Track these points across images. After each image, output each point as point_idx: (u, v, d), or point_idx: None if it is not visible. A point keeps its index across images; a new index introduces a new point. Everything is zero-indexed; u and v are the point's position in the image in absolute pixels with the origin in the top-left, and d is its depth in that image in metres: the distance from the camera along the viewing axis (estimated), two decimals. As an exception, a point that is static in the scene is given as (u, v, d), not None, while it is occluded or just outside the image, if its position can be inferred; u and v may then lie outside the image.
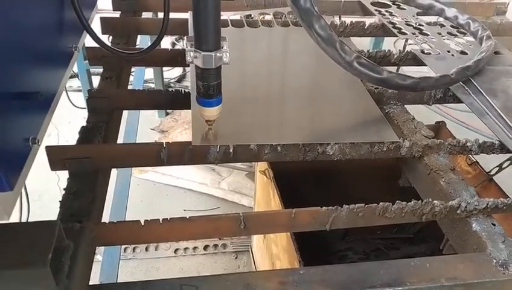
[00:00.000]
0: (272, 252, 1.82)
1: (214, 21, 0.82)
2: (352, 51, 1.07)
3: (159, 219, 0.82)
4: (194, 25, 0.83)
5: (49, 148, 0.91)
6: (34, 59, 0.75)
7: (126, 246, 2.69)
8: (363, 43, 3.50)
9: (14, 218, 0.78)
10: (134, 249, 2.73)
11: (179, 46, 4.85)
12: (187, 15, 1.68)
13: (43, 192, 2.90)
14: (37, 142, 0.70)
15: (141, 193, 3.15)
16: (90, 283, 0.80)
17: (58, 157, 0.93)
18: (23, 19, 0.71)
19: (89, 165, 0.95)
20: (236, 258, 2.76)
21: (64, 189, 0.91)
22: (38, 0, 0.80)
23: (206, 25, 0.81)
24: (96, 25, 1.35)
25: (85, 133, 1.08)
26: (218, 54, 0.85)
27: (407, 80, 1.15)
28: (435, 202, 0.96)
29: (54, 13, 0.90)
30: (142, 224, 0.82)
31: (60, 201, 0.87)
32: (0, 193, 0.58)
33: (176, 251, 2.75)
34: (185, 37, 0.92)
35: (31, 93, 0.64)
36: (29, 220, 1.75)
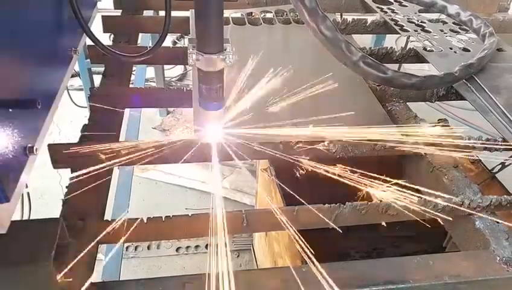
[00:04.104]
0: (274, 250, 1.82)
1: (216, 23, 0.81)
2: (358, 51, 1.06)
3: (161, 217, 0.82)
4: (196, 27, 0.82)
5: (51, 147, 0.91)
6: (31, 66, 0.74)
7: (128, 244, 2.69)
8: (365, 41, 3.49)
9: (15, 216, 0.78)
10: (136, 247, 2.73)
11: (180, 44, 4.84)
12: (188, 13, 1.67)
13: (45, 190, 2.90)
14: (35, 152, 0.68)
15: (143, 192, 3.16)
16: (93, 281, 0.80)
17: (60, 155, 0.93)
18: (22, 24, 0.70)
19: (91, 163, 0.95)
20: (238, 256, 2.76)
21: (66, 187, 0.91)
22: (36, 4, 0.78)
23: (209, 27, 0.81)
24: (97, 24, 1.35)
25: (87, 132, 1.08)
26: (221, 57, 0.83)
27: (412, 79, 1.15)
28: (438, 199, 0.96)
29: (53, 18, 0.88)
30: (145, 222, 0.81)
31: (62, 199, 0.87)
32: None
33: (177, 249, 2.76)
34: (187, 39, 0.91)
35: (28, 102, 0.61)
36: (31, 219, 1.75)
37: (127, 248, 2.67)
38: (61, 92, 0.91)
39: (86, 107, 3.34)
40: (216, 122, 0.95)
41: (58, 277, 0.64)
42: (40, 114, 0.76)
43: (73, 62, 1.00)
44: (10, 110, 0.59)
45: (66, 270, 0.67)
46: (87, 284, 0.74)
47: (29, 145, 0.68)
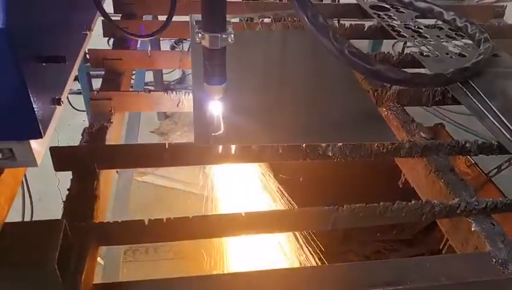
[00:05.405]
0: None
1: (220, 5, 0.87)
2: (345, 41, 1.06)
3: (162, 219, 0.83)
4: (202, 9, 0.88)
5: (53, 149, 0.92)
6: (60, 32, 0.89)
7: (127, 249, 2.69)
8: (362, 47, 3.51)
9: (16, 218, 0.79)
10: (134, 252, 2.73)
11: (178, 48, 4.86)
12: (187, 18, 1.69)
13: (43, 194, 2.90)
14: (61, 103, 0.79)
15: (141, 196, 3.15)
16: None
17: (61, 158, 0.94)
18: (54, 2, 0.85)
19: (92, 166, 0.96)
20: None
21: (68, 189, 0.92)
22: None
23: (213, 8, 0.87)
24: (98, 28, 1.37)
25: (88, 135, 1.10)
26: (223, 35, 0.89)
27: (400, 74, 1.14)
28: (435, 201, 0.97)
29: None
30: (146, 223, 0.82)
31: (63, 201, 0.88)
32: (33, 140, 0.68)
33: (176, 253, 2.75)
34: (194, 21, 0.96)
35: (58, 57, 0.74)
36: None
37: (125, 252, 2.67)
38: (79, 60, 1.04)
39: (84, 111, 3.35)
40: (218, 96, 1.00)
41: (62, 278, 0.65)
42: (65, 71, 0.89)
43: (88, 37, 1.14)
44: (44, 64, 0.71)
45: (69, 271, 0.68)
46: (89, 286, 0.75)
47: (57, 97, 0.77)
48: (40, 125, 0.67)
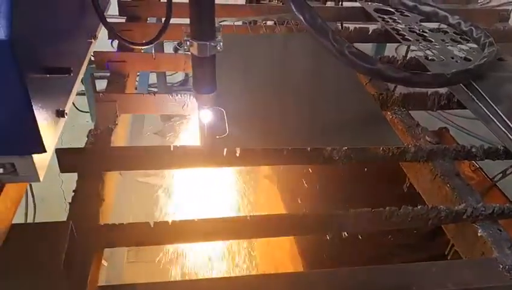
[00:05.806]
0: (276, 257, 1.82)
1: (208, 13, 0.87)
2: (344, 41, 1.05)
3: (168, 221, 0.83)
4: (190, 16, 0.88)
5: (58, 151, 0.92)
6: (65, 43, 0.89)
7: (129, 249, 2.69)
8: (365, 50, 3.50)
9: (19, 219, 0.79)
10: (136, 252, 2.72)
11: (181, 51, 4.87)
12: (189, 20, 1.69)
13: (46, 194, 2.90)
14: (65, 115, 0.77)
15: (143, 197, 3.15)
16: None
17: (67, 159, 0.94)
18: (59, 14, 0.85)
19: (98, 168, 0.96)
20: (237, 266, 2.74)
21: (73, 191, 0.91)
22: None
23: (201, 16, 0.87)
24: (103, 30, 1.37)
25: (93, 137, 1.10)
26: (212, 44, 0.89)
27: (401, 73, 1.13)
28: (441, 207, 0.96)
29: (80, 11, 1.06)
30: (152, 225, 0.82)
31: (69, 203, 0.88)
32: (36, 154, 0.66)
33: (178, 255, 2.75)
34: (183, 27, 0.95)
35: (63, 69, 0.73)
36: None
37: (128, 252, 2.66)
38: (84, 69, 1.04)
39: (87, 112, 3.36)
40: (208, 105, 0.99)
41: (68, 279, 0.65)
42: (69, 81, 0.88)
43: (92, 45, 1.14)
44: (48, 75, 0.69)
45: (75, 273, 0.67)
46: (94, 288, 0.74)
47: (61, 108, 0.76)
48: (43, 140, 0.64)
